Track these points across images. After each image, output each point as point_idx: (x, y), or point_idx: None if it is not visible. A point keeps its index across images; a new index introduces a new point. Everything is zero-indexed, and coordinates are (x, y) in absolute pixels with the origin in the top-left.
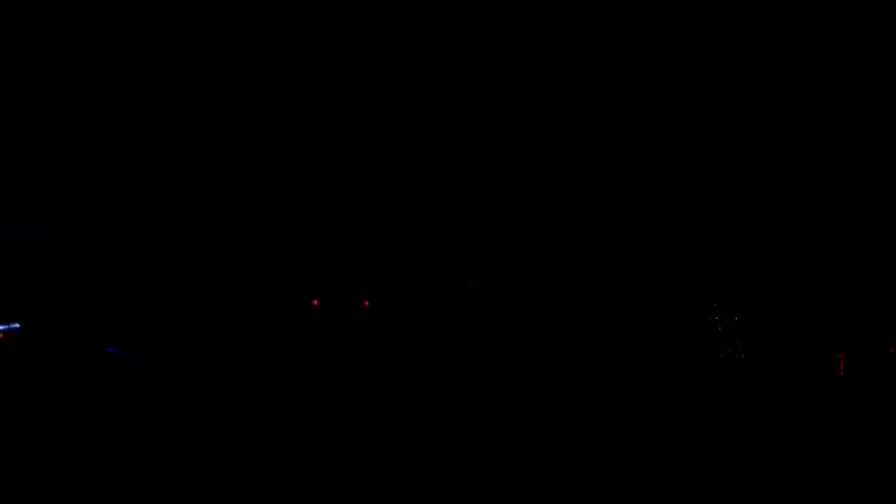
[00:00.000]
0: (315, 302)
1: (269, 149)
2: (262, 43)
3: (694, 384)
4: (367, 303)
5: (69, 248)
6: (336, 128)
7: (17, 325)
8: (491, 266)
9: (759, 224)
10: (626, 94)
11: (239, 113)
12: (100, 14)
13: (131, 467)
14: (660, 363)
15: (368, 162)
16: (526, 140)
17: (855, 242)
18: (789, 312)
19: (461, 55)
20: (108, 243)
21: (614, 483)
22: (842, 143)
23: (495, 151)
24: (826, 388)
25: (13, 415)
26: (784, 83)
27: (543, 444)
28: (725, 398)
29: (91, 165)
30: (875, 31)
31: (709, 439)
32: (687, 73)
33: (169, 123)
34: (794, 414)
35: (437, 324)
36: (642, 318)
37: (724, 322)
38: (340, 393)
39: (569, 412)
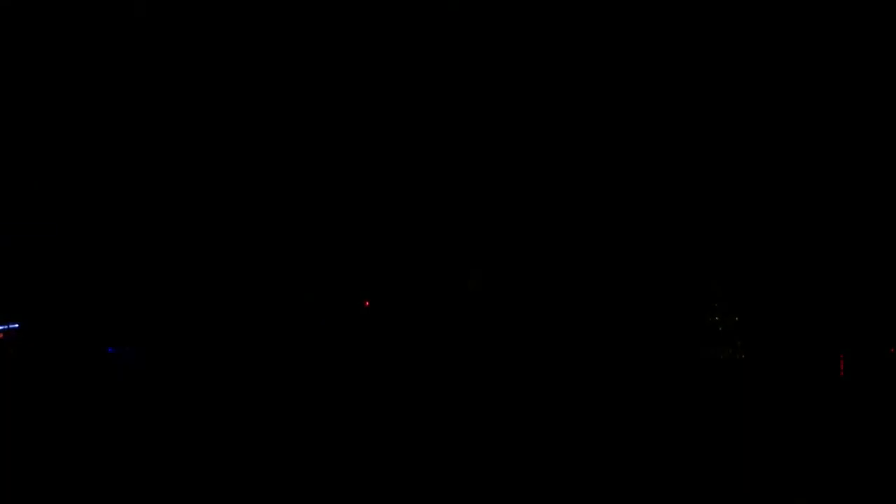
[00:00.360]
0: (367, 303)
1: (269, 149)
2: (262, 43)
3: (694, 384)
4: (367, 303)
5: (69, 248)
6: (335, 129)
7: (17, 325)
8: (491, 266)
9: (758, 224)
10: (626, 95)
11: (239, 112)
12: (100, 14)
13: (131, 466)
14: (660, 363)
15: (369, 163)
16: (526, 140)
17: (855, 242)
18: (789, 312)
19: (461, 56)
20: (108, 243)
21: (614, 482)
22: (841, 144)
23: (495, 151)
24: (826, 388)
25: (13, 414)
26: (783, 83)
27: (543, 444)
28: (725, 398)
29: (91, 165)
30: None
31: (709, 439)
32: (686, 73)
33: (168, 123)
34: (795, 414)
35: (437, 324)
36: (642, 318)
37: (724, 322)
38: (340, 392)
39: (569, 412)
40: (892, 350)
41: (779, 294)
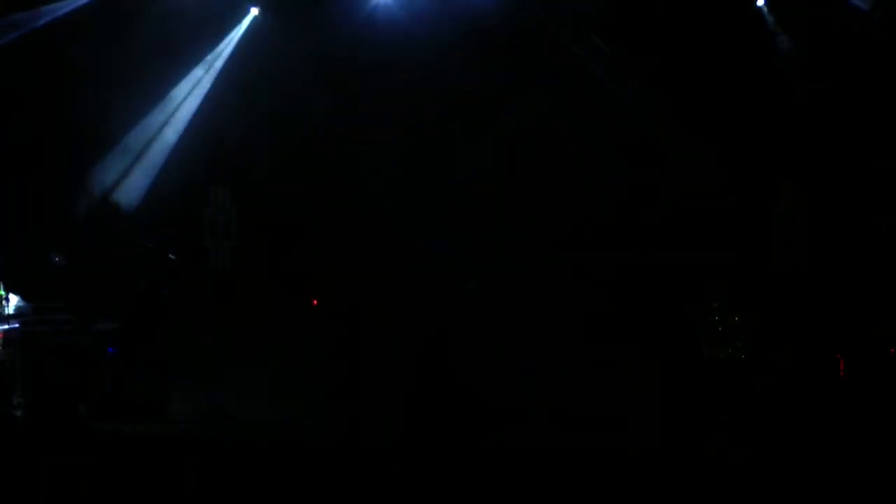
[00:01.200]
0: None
1: (269, 150)
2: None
3: (694, 384)
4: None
5: (69, 248)
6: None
7: (17, 325)
8: (489, 267)
9: (758, 224)
10: (624, 94)
11: (237, 112)
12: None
13: (131, 465)
14: (660, 363)
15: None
16: (527, 140)
17: (855, 242)
18: (789, 312)
19: (460, 64)
20: (108, 242)
21: (614, 483)
22: (841, 143)
23: (496, 150)
24: (826, 388)
25: (13, 415)
26: (782, 82)
27: (543, 443)
28: (725, 398)
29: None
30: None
31: (709, 439)
32: (684, 72)
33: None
34: (795, 414)
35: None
36: (643, 317)
37: (724, 322)
38: (340, 391)
39: (569, 411)
40: (893, 350)
41: (779, 294)
